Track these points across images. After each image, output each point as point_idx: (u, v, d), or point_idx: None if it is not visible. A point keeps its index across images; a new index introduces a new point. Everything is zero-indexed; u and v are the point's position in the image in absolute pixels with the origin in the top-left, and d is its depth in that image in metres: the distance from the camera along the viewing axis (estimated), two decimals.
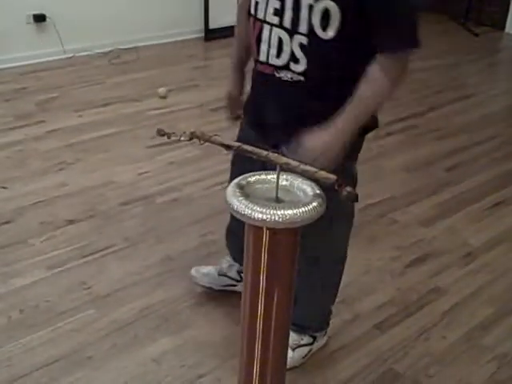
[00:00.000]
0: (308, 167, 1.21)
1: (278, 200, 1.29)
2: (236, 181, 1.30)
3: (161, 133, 1.28)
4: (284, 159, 1.23)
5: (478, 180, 3.37)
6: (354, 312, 2.30)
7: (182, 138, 1.28)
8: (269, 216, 1.19)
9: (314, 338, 2.09)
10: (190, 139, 1.28)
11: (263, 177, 1.33)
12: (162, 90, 4.15)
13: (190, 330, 2.17)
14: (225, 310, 2.26)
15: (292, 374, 1.96)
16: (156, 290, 2.35)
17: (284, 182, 1.31)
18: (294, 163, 1.22)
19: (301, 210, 1.20)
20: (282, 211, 1.20)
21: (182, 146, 3.45)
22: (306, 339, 2.07)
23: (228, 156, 1.98)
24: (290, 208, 1.21)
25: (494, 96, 4.76)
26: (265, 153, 1.24)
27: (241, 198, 1.24)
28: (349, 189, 1.15)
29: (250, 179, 1.33)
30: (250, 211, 1.21)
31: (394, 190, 3.19)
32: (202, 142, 1.28)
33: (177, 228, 2.74)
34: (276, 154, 1.23)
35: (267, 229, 1.24)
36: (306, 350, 2.06)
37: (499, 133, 4.01)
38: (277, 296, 1.33)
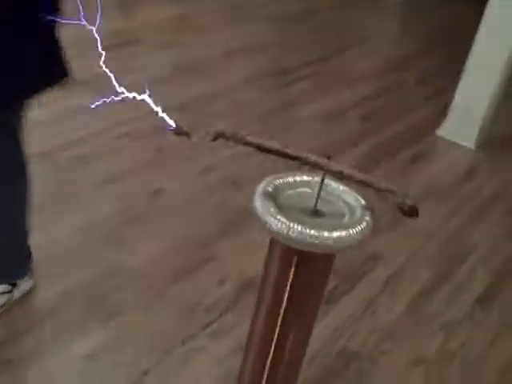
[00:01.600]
0: (371, 177, 0.98)
1: (316, 213, 1.06)
2: (262, 187, 1.05)
3: (176, 131, 0.99)
4: (337, 166, 0.99)
5: (393, 130, 3.31)
6: None
7: (207, 140, 0.99)
8: (317, 240, 0.96)
9: (14, 285, 1.86)
10: (215, 139, 1.00)
11: (291, 179, 1.09)
12: None
13: (121, 317, 1.90)
14: (158, 290, 2.01)
15: None
16: (74, 269, 2.03)
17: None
18: (350, 172, 0.98)
19: (353, 231, 0.99)
20: (332, 233, 0.97)
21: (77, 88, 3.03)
22: (2, 287, 1.84)
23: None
24: (339, 228, 0.99)
25: (392, 41, 4.73)
26: (313, 157, 1.00)
27: (274, 211, 1.01)
28: (409, 202, 0.96)
29: (276, 182, 1.08)
30: (286, 229, 0.98)
31: (309, 143, 3.03)
32: (232, 142, 1.00)
33: (87, 191, 2.39)
34: (327, 160, 0.99)
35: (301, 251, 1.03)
36: (2, 299, 1.84)
37: (403, 80, 3.97)
38: (295, 330, 1.13)
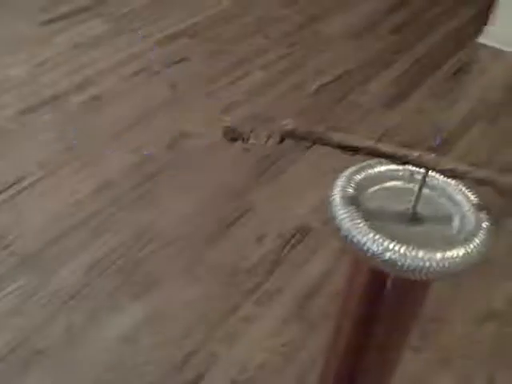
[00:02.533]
0: (492, 173, 0.73)
1: (415, 218, 0.81)
2: (340, 188, 0.80)
3: (230, 136, 0.73)
4: (448, 163, 0.73)
5: (429, 42, 2.98)
6: None
7: (271, 143, 0.74)
8: (426, 263, 0.72)
9: None
10: (282, 141, 0.74)
11: (374, 170, 0.84)
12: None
13: (159, 288, 1.70)
14: (193, 254, 1.80)
15: None
16: (100, 235, 1.82)
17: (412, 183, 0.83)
18: (465, 168, 0.73)
19: (470, 248, 0.74)
20: (446, 253, 0.72)
21: (85, 21, 2.73)
22: None
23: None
24: (452, 243, 0.74)
25: None
26: (416, 154, 0.74)
27: (364, 227, 0.76)
28: None
29: (356, 178, 0.82)
30: (382, 251, 0.73)
31: (343, 63, 2.73)
32: (308, 144, 0.75)
33: (105, 139, 2.14)
34: (434, 156, 0.73)
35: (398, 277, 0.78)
36: None
37: None
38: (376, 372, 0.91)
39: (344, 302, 0.92)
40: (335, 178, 0.86)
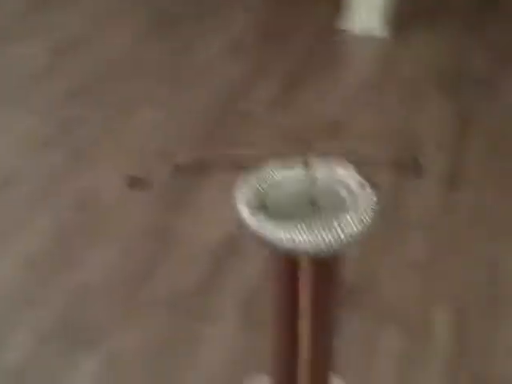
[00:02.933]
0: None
1: (313, 205, 0.93)
2: (246, 204, 0.91)
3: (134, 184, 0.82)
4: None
5: (293, 45, 3.14)
6: None
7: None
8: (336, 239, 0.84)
9: None
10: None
11: (270, 179, 0.95)
12: None
13: (107, 341, 1.74)
14: (129, 294, 1.85)
15: None
16: (30, 309, 1.82)
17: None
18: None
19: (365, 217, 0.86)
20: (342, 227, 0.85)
21: None
22: None
23: None
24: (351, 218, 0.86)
25: None
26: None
27: (268, 224, 0.87)
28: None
29: (257, 191, 0.94)
30: (289, 240, 0.85)
31: (222, 82, 2.84)
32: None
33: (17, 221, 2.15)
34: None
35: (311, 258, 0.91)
36: None
37: None
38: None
39: (275, 289, 1.03)
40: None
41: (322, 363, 1.12)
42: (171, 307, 1.81)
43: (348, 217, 0.89)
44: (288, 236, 0.87)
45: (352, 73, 2.97)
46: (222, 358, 1.67)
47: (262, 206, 0.93)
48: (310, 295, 1.00)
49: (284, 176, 0.98)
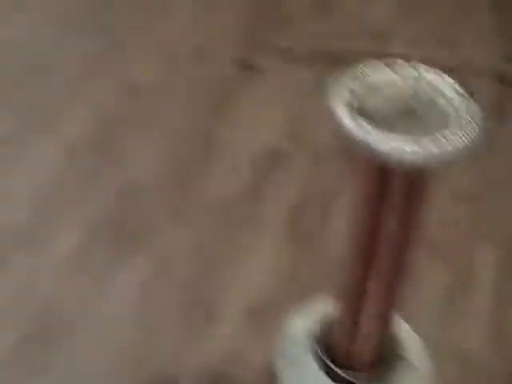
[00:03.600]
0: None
1: (414, 114, 0.88)
2: (339, 98, 0.85)
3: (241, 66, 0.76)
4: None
5: None
6: None
7: None
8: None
9: None
10: None
11: (369, 80, 0.89)
12: None
13: (156, 241, 1.75)
14: (181, 196, 1.85)
15: None
16: (79, 204, 1.83)
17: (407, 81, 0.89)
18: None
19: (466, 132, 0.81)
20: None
21: None
22: None
23: None
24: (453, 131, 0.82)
25: None
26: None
27: (367, 127, 0.82)
28: None
29: (351, 85, 0.87)
30: (391, 147, 0.80)
31: None
32: None
33: (54, 104, 2.10)
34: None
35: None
36: None
37: None
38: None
39: (354, 209, 1.01)
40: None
41: (395, 284, 1.12)
42: (220, 212, 1.82)
43: (453, 130, 0.83)
44: (395, 146, 0.81)
45: None
46: (269, 267, 1.70)
47: (361, 110, 0.86)
48: (398, 213, 0.98)
49: (380, 78, 0.90)
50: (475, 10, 2.60)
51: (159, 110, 2.12)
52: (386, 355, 1.20)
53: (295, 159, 1.97)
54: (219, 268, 1.68)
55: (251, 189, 1.88)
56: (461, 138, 0.82)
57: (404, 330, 1.27)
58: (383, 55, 0.96)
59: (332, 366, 1.18)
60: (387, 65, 0.89)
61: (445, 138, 0.81)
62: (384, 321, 1.15)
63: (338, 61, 0.81)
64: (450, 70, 0.92)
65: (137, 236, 1.75)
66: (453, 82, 0.91)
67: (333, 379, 1.18)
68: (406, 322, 1.30)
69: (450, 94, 0.89)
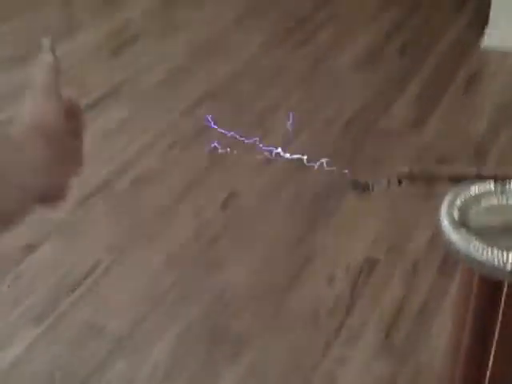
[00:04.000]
0: None
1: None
2: (447, 215, 0.89)
3: (358, 186, 0.82)
4: None
5: (435, 57, 3.09)
6: None
7: (392, 187, 0.83)
8: None
9: None
10: (400, 183, 0.83)
11: (469, 193, 0.93)
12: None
13: (250, 347, 1.77)
14: (273, 307, 1.88)
15: None
16: (182, 306, 1.90)
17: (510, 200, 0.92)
18: None
19: None
20: None
21: (106, 108, 2.85)
22: None
23: None
24: None
25: None
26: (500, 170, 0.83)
27: (468, 236, 0.85)
28: None
29: (458, 203, 0.91)
30: (502, 262, 0.82)
31: (361, 93, 2.84)
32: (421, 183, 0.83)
33: (156, 217, 2.24)
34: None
35: None
36: None
37: None
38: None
39: (460, 319, 1.00)
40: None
41: None
42: (313, 323, 1.82)
43: None
44: (498, 257, 0.83)
45: (488, 94, 2.86)
46: (364, 379, 1.67)
47: (464, 222, 0.91)
48: (505, 321, 0.96)
49: (486, 195, 0.95)
50: None
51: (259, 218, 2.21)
52: None
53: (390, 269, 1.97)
54: (311, 379, 1.67)
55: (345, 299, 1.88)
56: None
57: None
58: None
59: None
60: (492, 182, 0.92)
61: None
62: None
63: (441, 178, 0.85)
64: None
65: (228, 346, 1.77)
66: None
67: None
68: None
69: None
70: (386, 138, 2.54)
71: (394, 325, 1.79)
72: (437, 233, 2.00)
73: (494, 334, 0.97)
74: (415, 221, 2.11)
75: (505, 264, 0.83)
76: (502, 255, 0.83)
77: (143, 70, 3.11)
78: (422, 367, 1.67)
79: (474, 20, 3.36)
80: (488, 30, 3.10)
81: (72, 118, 0.61)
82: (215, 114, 2.75)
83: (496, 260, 0.83)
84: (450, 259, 1.94)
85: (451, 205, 0.92)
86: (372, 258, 2.00)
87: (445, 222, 0.90)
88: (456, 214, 0.90)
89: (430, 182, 0.84)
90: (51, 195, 0.57)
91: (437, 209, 2.10)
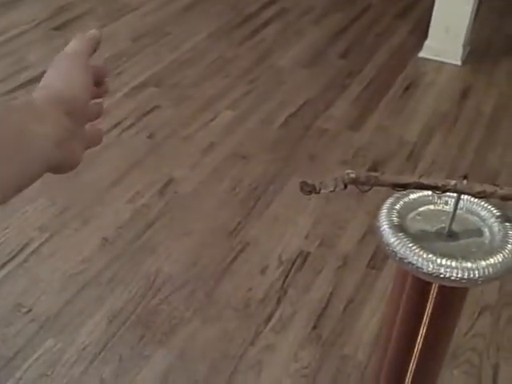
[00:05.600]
0: (509, 189, 0.87)
1: (452, 235, 0.94)
2: (386, 219, 0.92)
3: (307, 189, 0.84)
4: (480, 186, 0.87)
5: (376, 62, 3.18)
6: None
7: (338, 189, 0.85)
8: (474, 273, 0.85)
9: None
10: (346, 187, 0.86)
11: (408, 198, 0.97)
12: None
13: (179, 332, 1.78)
14: (205, 294, 1.89)
15: None
16: (114, 288, 1.89)
17: (446, 206, 0.96)
18: (492, 188, 0.87)
19: (503, 257, 0.87)
20: (489, 260, 0.86)
21: None
22: None
23: None
24: (491, 251, 0.87)
25: None
26: (453, 182, 0.87)
27: (405, 240, 0.88)
28: None
29: (397, 207, 0.95)
30: (421, 262, 0.86)
31: (303, 92, 2.89)
32: (365, 188, 0.86)
33: (96, 196, 2.22)
34: (466, 182, 0.87)
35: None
36: None
37: (371, 4, 3.80)
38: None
39: (392, 314, 1.05)
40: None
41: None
42: (243, 311, 1.85)
43: (489, 253, 0.89)
44: (432, 262, 0.87)
45: (424, 101, 2.97)
46: (291, 367, 1.71)
47: (402, 227, 0.94)
48: (433, 320, 1.01)
49: (424, 200, 0.98)
50: None
51: (196, 206, 2.22)
52: None
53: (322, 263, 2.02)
54: (238, 367, 1.70)
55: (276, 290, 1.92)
56: (497, 261, 0.87)
57: None
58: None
59: None
60: (436, 189, 0.95)
61: (482, 260, 0.87)
62: None
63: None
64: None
65: (158, 330, 1.78)
66: (492, 207, 0.97)
67: None
68: None
69: (489, 218, 0.96)
70: (323, 137, 2.60)
71: (322, 316, 1.84)
72: (368, 230, 2.08)
73: (419, 333, 1.02)
74: (348, 217, 2.18)
75: (437, 269, 0.87)
76: (435, 260, 0.87)
77: None
78: (347, 359, 1.73)
79: (415, 29, 3.48)
80: (427, 41, 3.22)
81: (95, 87, 0.61)
82: (157, 101, 2.77)
83: (428, 264, 0.87)
84: (378, 255, 2.01)
85: (390, 209, 0.96)
86: (304, 251, 2.05)
87: (383, 226, 0.93)
88: (395, 218, 0.94)
89: (373, 187, 0.88)
90: (65, 166, 0.56)
91: (369, 207, 2.17)
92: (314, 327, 1.81)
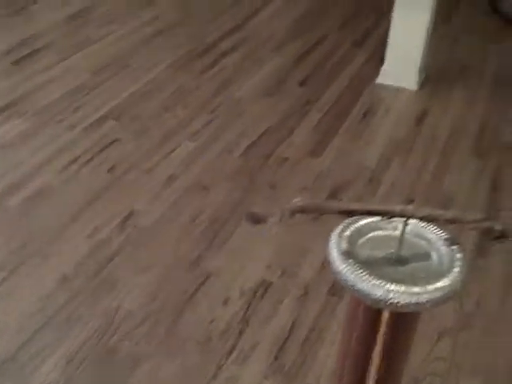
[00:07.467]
0: (458, 213, 0.89)
1: (399, 259, 0.96)
2: (336, 246, 0.93)
3: (253, 218, 0.85)
4: (426, 210, 0.89)
5: (334, 90, 3.23)
6: None
7: (285, 218, 0.86)
8: (422, 297, 0.86)
9: None
10: (293, 215, 0.87)
11: (358, 225, 0.98)
12: None
13: (140, 369, 1.76)
14: (167, 329, 1.88)
15: None
16: (72, 327, 1.86)
17: (395, 231, 0.98)
18: (438, 212, 0.89)
19: (450, 280, 0.89)
20: (436, 284, 0.87)
21: (4, 122, 2.78)
22: None
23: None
24: (439, 275, 0.89)
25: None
26: (399, 208, 0.89)
27: (354, 266, 0.90)
28: (499, 227, 0.87)
29: (347, 234, 0.96)
30: (370, 288, 0.87)
31: (263, 121, 2.91)
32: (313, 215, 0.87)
33: (54, 233, 2.20)
34: (412, 207, 0.89)
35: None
36: None
37: (325, 31, 3.87)
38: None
39: (345, 342, 1.05)
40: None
41: None
42: (204, 345, 1.84)
43: (437, 277, 0.91)
44: (380, 288, 0.89)
45: (382, 126, 3.02)
46: None
47: (351, 253, 0.95)
48: (386, 346, 1.02)
49: (374, 226, 1.00)
50: None
51: (157, 239, 2.21)
52: None
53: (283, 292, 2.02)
54: None
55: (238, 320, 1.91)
56: (445, 285, 0.89)
57: None
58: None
59: None
60: (382, 215, 0.97)
61: (430, 284, 0.89)
62: None
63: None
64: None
65: (119, 367, 1.76)
66: (439, 231, 0.99)
67: None
68: None
69: (436, 242, 0.97)
70: (284, 165, 2.62)
71: (284, 346, 1.84)
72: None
73: (371, 359, 1.03)
74: (308, 245, 2.19)
75: (386, 294, 0.88)
76: (384, 286, 0.88)
77: (46, 84, 3.06)
78: None
79: (372, 57, 3.55)
80: (383, 67, 3.28)
81: None
82: (117, 135, 2.77)
83: (378, 290, 0.88)
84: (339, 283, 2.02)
85: (340, 236, 0.97)
86: (266, 281, 2.05)
87: (333, 253, 0.95)
88: (344, 245, 0.95)
89: (321, 215, 0.89)
90: None
91: (329, 234, 2.19)
92: (276, 358, 1.81)
